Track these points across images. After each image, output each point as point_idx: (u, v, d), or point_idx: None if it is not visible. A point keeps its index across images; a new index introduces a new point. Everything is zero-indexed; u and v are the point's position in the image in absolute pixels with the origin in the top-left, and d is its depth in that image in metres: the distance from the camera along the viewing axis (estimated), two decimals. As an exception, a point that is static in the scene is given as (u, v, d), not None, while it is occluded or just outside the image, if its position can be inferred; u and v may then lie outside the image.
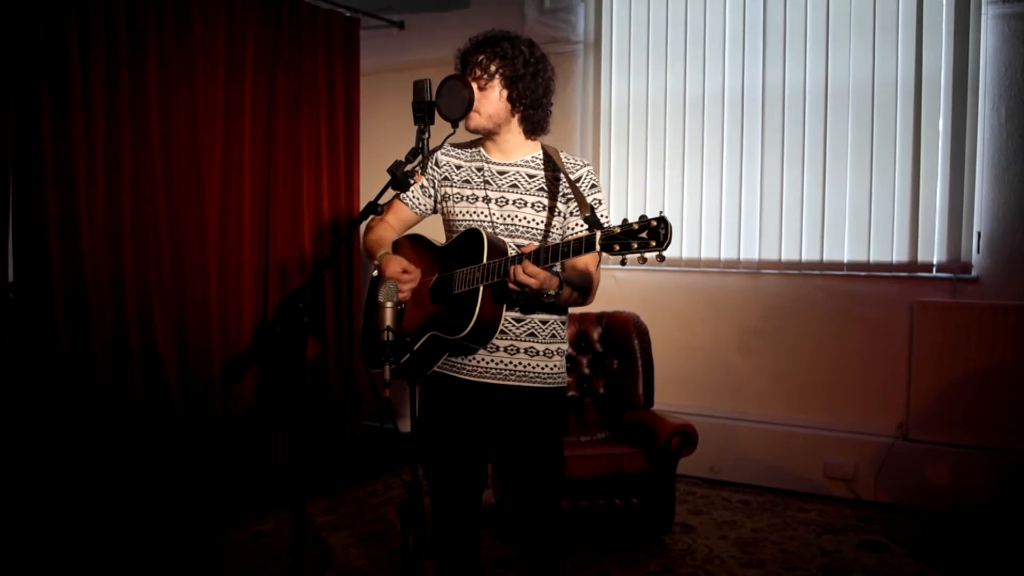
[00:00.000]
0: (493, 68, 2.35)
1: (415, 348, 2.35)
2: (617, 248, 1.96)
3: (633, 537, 3.84)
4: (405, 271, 2.30)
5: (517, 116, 2.40)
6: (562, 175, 2.35)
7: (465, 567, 2.52)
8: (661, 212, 1.97)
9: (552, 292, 2.17)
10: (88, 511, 3.97)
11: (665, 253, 1.94)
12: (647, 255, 1.94)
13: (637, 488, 3.79)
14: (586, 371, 4.32)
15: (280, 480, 4.79)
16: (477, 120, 2.35)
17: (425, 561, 2.34)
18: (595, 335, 4.35)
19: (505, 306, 2.29)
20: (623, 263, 1.99)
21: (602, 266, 2.52)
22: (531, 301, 2.31)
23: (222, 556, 3.65)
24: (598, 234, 1.99)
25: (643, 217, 1.96)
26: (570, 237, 2.38)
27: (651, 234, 1.93)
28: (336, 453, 5.27)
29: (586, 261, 2.33)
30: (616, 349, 4.29)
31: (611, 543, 3.81)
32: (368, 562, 3.62)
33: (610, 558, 3.67)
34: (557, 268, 2.20)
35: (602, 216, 2.34)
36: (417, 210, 2.56)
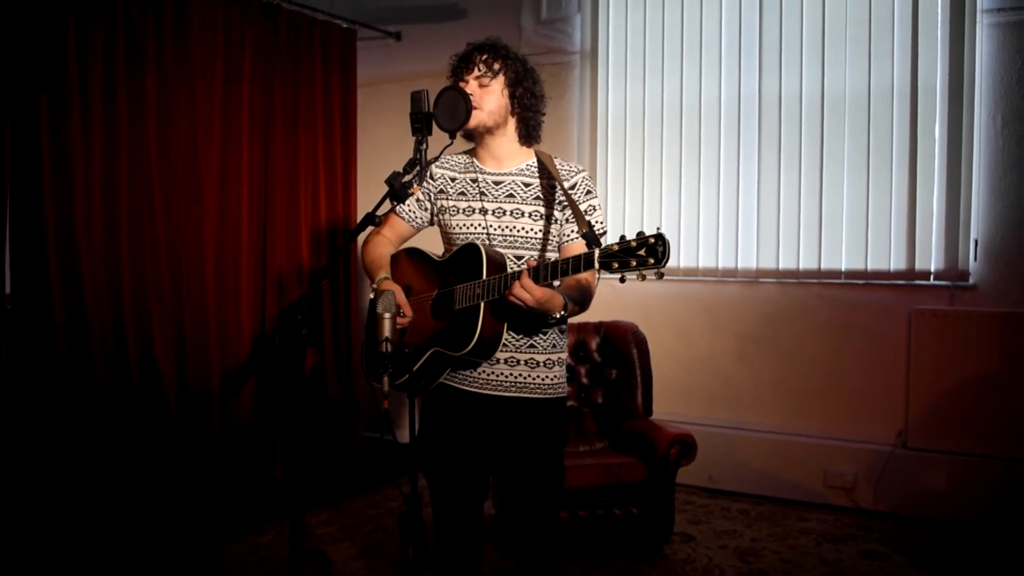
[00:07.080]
0: (497, 66, 2.36)
1: (418, 365, 2.36)
2: (616, 266, 1.96)
3: (632, 547, 3.83)
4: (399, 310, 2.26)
5: (515, 118, 2.41)
6: (557, 183, 2.36)
7: (465, 579, 2.51)
8: (659, 228, 1.96)
9: (556, 315, 2.18)
10: (87, 522, 3.96)
11: (663, 269, 1.92)
12: (646, 273, 1.93)
13: (636, 498, 3.78)
14: (584, 381, 4.32)
15: (279, 492, 4.77)
16: (478, 117, 2.33)
17: (424, 573, 2.33)
18: (593, 345, 4.35)
19: (507, 325, 2.29)
20: (622, 280, 1.98)
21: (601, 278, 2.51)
22: (535, 322, 2.31)
23: (220, 569, 3.64)
24: (596, 252, 1.99)
25: (640, 234, 1.94)
26: (566, 245, 2.40)
27: (649, 251, 1.92)
28: (335, 464, 5.26)
29: (584, 274, 2.33)
30: (614, 359, 4.29)
31: (610, 553, 3.80)
32: (368, 574, 3.61)
33: (609, 568, 3.66)
34: (556, 283, 2.20)
35: (598, 223, 2.35)
36: (414, 223, 2.56)
